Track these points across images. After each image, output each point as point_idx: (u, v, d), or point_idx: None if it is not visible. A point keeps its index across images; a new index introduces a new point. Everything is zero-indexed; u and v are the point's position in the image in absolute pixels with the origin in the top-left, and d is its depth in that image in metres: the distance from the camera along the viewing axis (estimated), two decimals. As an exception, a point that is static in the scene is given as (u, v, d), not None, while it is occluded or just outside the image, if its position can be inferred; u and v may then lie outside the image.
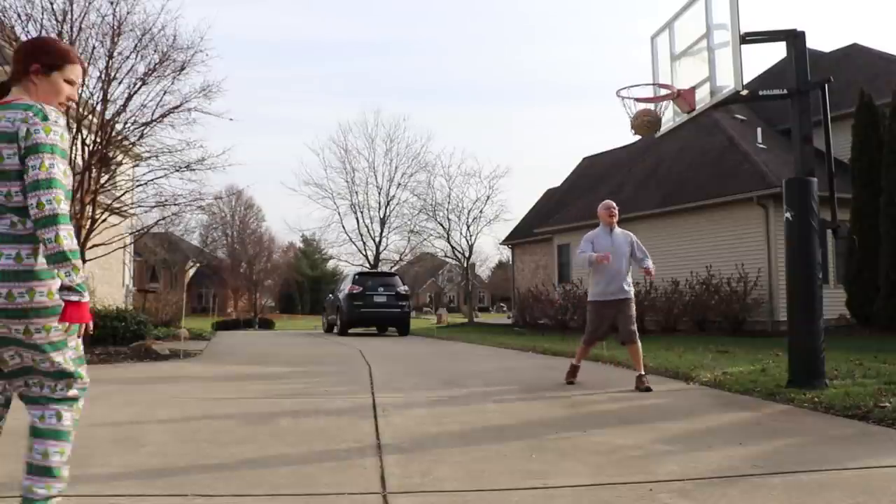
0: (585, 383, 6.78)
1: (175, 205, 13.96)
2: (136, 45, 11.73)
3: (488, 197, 35.91)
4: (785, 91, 6.34)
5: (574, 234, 22.32)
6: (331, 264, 52.40)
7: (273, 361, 9.76)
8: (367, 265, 35.87)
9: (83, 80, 2.66)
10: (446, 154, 76.57)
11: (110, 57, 11.43)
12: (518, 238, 29.44)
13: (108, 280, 17.44)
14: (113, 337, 11.09)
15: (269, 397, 5.99)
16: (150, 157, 13.42)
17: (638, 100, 6.95)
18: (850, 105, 15.81)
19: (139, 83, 11.81)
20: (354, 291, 17.90)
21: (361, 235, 37.27)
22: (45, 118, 2.21)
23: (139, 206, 14.29)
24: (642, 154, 22.68)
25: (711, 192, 17.60)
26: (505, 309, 56.83)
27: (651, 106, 6.95)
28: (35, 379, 2.33)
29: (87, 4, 11.11)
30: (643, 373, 6.39)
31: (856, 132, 14.94)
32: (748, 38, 6.18)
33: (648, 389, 6.18)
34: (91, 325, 2.30)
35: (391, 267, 36.73)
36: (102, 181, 11.85)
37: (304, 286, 57.56)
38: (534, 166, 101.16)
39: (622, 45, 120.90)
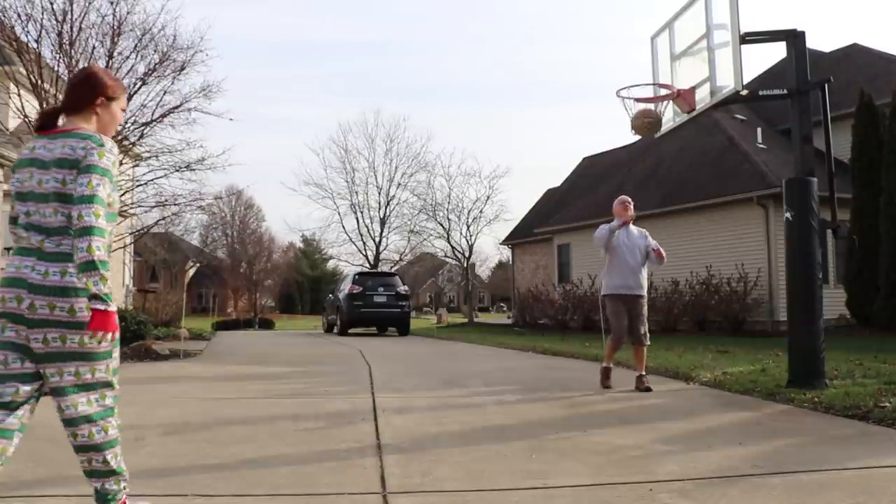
0: (585, 383, 6.78)
1: (175, 205, 14.01)
2: (136, 45, 11.78)
3: (488, 197, 35.94)
4: (785, 91, 6.35)
5: (574, 234, 22.33)
6: (331, 264, 52.37)
7: (273, 361, 9.76)
8: (367, 265, 35.83)
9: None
10: (446, 154, 76.53)
11: (110, 57, 11.45)
12: (518, 238, 29.43)
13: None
14: (113, 337, 11.07)
15: (269, 397, 5.99)
16: (150, 157, 13.45)
17: (638, 100, 6.94)
18: (850, 105, 15.81)
19: (139, 83, 11.86)
20: (354, 291, 17.89)
21: (361, 235, 37.28)
22: (102, 145, 2.37)
23: (139, 206, 14.31)
24: (642, 154, 22.67)
25: (711, 192, 17.60)
26: (505, 309, 56.82)
27: (651, 106, 6.94)
28: (67, 401, 2.33)
29: (87, 4, 11.15)
30: (644, 373, 6.39)
31: (856, 132, 14.95)
32: (748, 38, 6.18)
33: (648, 389, 6.19)
34: (118, 333, 2.38)
35: (391, 267, 36.70)
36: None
37: (304, 286, 57.53)
38: (534, 166, 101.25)
39: (622, 45, 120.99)
